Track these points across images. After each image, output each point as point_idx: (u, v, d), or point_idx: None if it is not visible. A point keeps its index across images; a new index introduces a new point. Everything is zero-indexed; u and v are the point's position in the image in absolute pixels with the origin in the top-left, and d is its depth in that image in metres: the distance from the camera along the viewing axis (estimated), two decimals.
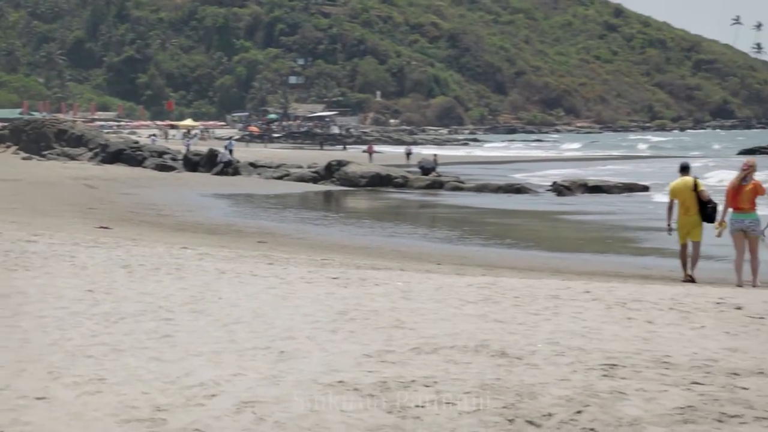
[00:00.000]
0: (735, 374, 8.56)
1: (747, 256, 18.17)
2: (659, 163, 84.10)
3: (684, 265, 19.01)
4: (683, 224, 19.00)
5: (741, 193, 17.73)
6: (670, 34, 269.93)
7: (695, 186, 18.94)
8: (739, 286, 17.43)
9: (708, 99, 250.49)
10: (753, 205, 17.72)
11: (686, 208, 18.94)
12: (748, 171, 17.86)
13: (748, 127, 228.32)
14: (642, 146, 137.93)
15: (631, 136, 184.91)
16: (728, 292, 15.27)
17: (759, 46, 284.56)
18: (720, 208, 18.80)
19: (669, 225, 19.27)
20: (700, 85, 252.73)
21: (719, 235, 18.32)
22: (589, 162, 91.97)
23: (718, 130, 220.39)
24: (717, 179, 49.50)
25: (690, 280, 18.71)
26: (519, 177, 65.44)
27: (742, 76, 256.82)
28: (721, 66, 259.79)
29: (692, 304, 13.07)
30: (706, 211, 18.81)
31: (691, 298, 13.75)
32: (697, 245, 19.01)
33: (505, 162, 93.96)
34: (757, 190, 17.67)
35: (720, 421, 7.08)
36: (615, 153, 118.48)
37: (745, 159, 18.95)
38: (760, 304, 13.10)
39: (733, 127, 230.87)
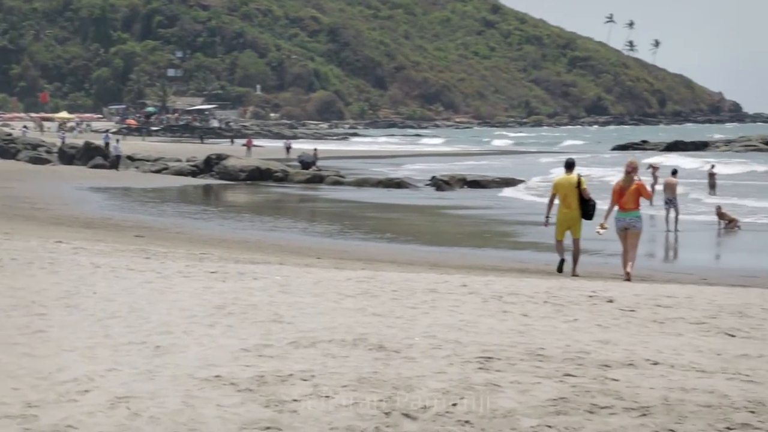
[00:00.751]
0: (606, 366, 8.74)
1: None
2: (528, 158, 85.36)
3: (560, 251, 19.32)
4: (564, 219, 19.41)
5: (626, 193, 18.31)
6: (546, 31, 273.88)
7: (579, 183, 19.35)
8: (627, 279, 17.91)
9: (583, 95, 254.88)
10: (637, 204, 18.34)
11: (567, 204, 19.34)
12: (632, 172, 18.43)
13: (622, 124, 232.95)
14: (497, 142, 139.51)
15: (496, 131, 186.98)
16: (601, 285, 15.59)
17: (631, 44, 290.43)
18: (598, 205, 19.33)
19: (548, 217, 19.67)
20: (576, 82, 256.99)
21: (601, 234, 18.80)
22: (466, 157, 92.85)
23: (595, 126, 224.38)
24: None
25: (558, 270, 19.16)
26: (397, 171, 65.74)
27: (615, 74, 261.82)
28: (596, 63, 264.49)
29: (566, 297, 13.31)
30: (587, 208, 19.27)
31: (565, 291, 14.00)
32: (577, 241, 19.44)
33: (386, 157, 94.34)
34: (641, 191, 18.29)
35: (591, 412, 7.22)
36: (474, 148, 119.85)
37: (628, 159, 19.63)
38: (631, 297, 13.40)
39: (607, 123, 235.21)
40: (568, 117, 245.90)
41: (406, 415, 7.02)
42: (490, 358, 8.91)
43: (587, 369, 8.61)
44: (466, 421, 6.92)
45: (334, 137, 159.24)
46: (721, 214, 30.77)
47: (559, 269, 19.18)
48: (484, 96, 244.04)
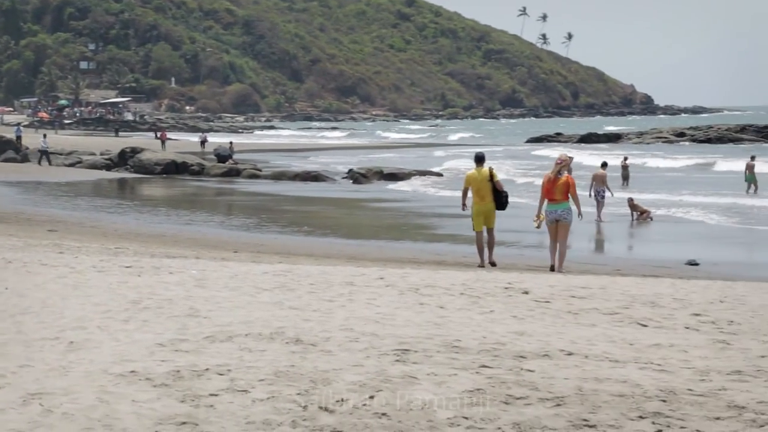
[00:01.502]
0: (522, 357, 8.83)
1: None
2: (422, 151, 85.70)
3: (480, 251, 19.58)
4: (479, 212, 19.67)
5: (555, 186, 18.67)
6: (461, 24, 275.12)
7: (491, 176, 19.64)
8: (552, 269, 18.37)
9: (498, 88, 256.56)
10: (566, 196, 18.70)
11: (481, 197, 19.63)
12: (562, 165, 18.84)
13: (536, 116, 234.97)
14: (388, 134, 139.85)
15: (389, 126, 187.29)
16: (516, 276, 15.74)
17: (545, 37, 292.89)
18: (510, 199, 19.61)
19: (464, 204, 20.00)
20: (491, 75, 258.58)
21: (539, 226, 19.18)
22: (384, 149, 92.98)
23: (510, 119, 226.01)
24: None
25: (482, 266, 19.30)
26: (310, 164, 65.66)
27: (529, 66, 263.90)
28: (510, 56, 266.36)
29: (482, 289, 13.41)
30: (501, 199, 19.58)
31: (481, 283, 14.10)
32: (492, 231, 19.67)
33: (302, 150, 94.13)
34: (570, 187, 18.67)
35: (506, 403, 7.29)
36: (377, 141, 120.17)
37: (558, 155, 19.99)
38: (546, 288, 13.54)
39: (522, 115, 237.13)
40: (483, 109, 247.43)
41: (323, 409, 7.02)
42: (406, 350, 8.95)
43: (503, 360, 8.69)
44: (383, 414, 6.94)
45: (251, 130, 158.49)
46: (633, 206, 31.20)
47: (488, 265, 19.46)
48: (400, 89, 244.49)
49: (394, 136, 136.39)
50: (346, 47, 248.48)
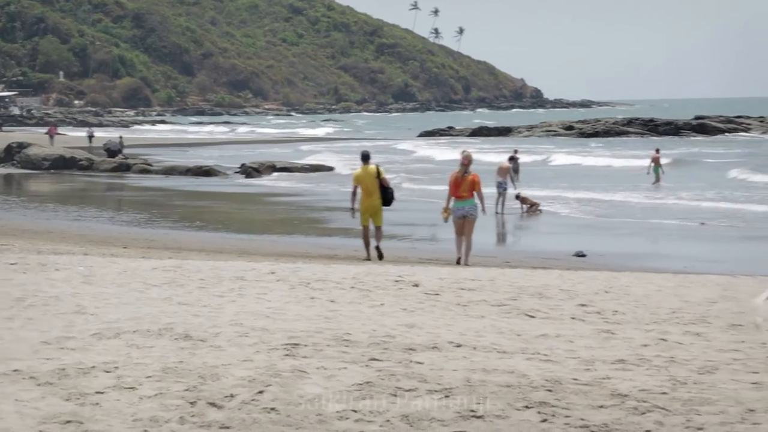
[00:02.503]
0: (411, 350, 8.89)
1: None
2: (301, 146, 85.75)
3: (367, 245, 19.92)
4: (367, 207, 20.22)
5: (462, 184, 19.29)
6: (353, 18, 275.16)
7: (378, 173, 20.24)
8: (458, 263, 18.81)
9: (390, 82, 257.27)
10: (471, 193, 19.35)
11: (369, 193, 20.21)
12: (467, 164, 19.39)
13: (428, 110, 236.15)
14: (242, 129, 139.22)
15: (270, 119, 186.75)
16: (407, 270, 15.83)
17: (437, 31, 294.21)
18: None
19: (353, 208, 20.47)
20: (383, 69, 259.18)
21: (446, 220, 19.65)
22: (270, 144, 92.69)
23: (399, 113, 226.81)
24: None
25: (369, 259, 19.56)
26: (207, 159, 65.15)
27: (422, 60, 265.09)
28: (402, 50, 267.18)
29: (373, 282, 13.47)
30: (387, 195, 20.23)
31: (372, 276, 14.16)
32: (379, 228, 20.29)
33: (195, 144, 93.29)
34: (475, 183, 19.27)
35: (395, 395, 7.33)
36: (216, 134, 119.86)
37: (461, 152, 20.38)
38: (435, 281, 13.65)
39: (414, 109, 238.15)
40: (376, 103, 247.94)
41: (212, 404, 6.99)
42: (296, 344, 8.95)
43: (392, 353, 8.74)
44: (272, 409, 6.93)
45: (141, 124, 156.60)
46: (523, 199, 31.60)
47: (375, 258, 19.71)
48: (293, 83, 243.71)
49: (271, 131, 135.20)
50: (239, 41, 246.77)
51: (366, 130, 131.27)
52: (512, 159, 35.66)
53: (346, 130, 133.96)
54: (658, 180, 41.03)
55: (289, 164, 54.06)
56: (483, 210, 19.68)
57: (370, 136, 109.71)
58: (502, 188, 31.55)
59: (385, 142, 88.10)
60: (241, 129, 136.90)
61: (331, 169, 53.68)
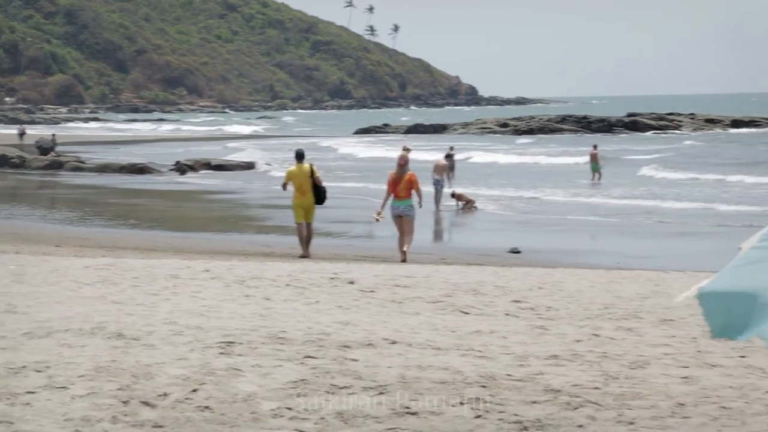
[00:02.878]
0: (346, 347, 8.90)
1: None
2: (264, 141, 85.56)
3: (302, 241, 20.08)
4: (300, 205, 20.50)
5: (399, 183, 19.63)
6: (288, 15, 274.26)
7: (312, 172, 20.52)
8: (403, 261, 18.91)
9: (326, 79, 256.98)
10: (409, 193, 19.68)
11: (302, 191, 20.50)
12: (404, 164, 19.76)
13: (364, 107, 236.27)
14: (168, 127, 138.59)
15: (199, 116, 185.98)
16: (343, 267, 15.84)
17: (372, 29, 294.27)
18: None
19: (284, 186, 20.83)
20: (319, 66, 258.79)
21: (378, 220, 19.98)
22: (213, 141, 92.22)
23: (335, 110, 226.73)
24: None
25: (306, 256, 19.64)
26: (141, 156, 64.64)
27: (357, 58, 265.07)
28: (338, 47, 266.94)
29: (308, 279, 13.45)
30: (320, 194, 20.52)
31: (307, 274, 14.15)
32: (310, 225, 20.54)
33: (129, 142, 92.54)
34: (413, 182, 19.60)
35: (331, 393, 7.34)
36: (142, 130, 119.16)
37: (399, 153, 20.60)
38: (371, 278, 13.67)
39: (350, 106, 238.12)
40: (312, 101, 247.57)
41: (145, 403, 6.95)
42: (231, 342, 8.92)
43: (328, 350, 8.74)
44: (206, 407, 6.91)
45: (74, 121, 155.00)
46: (458, 196, 31.73)
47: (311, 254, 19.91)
48: (227, 80, 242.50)
49: (199, 128, 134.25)
50: (173, 38, 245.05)
51: (295, 128, 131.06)
52: (448, 156, 35.83)
53: (275, 127, 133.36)
54: (598, 176, 41.48)
55: (224, 161, 53.79)
56: (420, 204, 19.97)
57: (299, 133, 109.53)
58: (439, 185, 31.71)
59: (315, 139, 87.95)
60: (167, 127, 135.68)
61: (268, 165, 53.52)
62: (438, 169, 32.23)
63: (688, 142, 70.14)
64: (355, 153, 66.86)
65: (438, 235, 28.16)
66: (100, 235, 25.40)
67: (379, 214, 19.84)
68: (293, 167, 20.71)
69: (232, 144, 79.08)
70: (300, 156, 20.74)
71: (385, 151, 61.79)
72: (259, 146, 74.02)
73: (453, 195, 31.79)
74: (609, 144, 66.73)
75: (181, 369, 7.86)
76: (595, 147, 43.11)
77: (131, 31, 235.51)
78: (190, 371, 7.80)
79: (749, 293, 4.59)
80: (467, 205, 31.58)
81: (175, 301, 11.26)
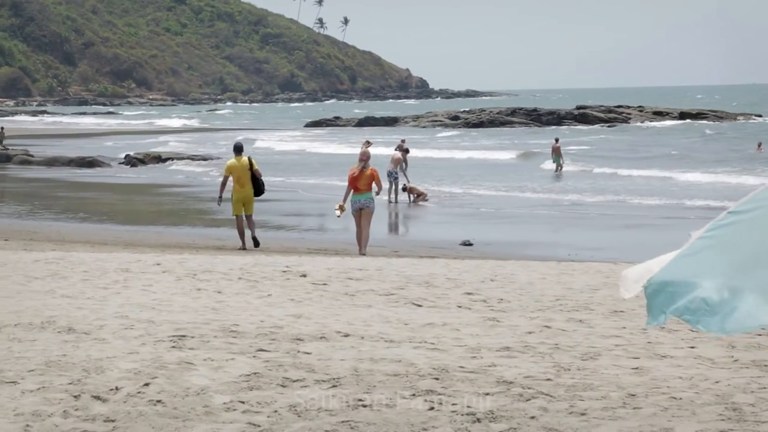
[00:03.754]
0: (299, 340, 8.89)
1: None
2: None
3: (241, 234, 20.30)
4: (239, 198, 20.70)
5: (360, 178, 19.85)
6: (237, 7, 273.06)
7: (251, 165, 20.73)
8: (363, 254, 19.02)
9: (276, 72, 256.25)
10: (369, 187, 19.94)
11: (242, 184, 20.69)
12: (365, 160, 20.02)
13: (315, 100, 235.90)
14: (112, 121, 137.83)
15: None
16: (295, 260, 15.81)
17: (321, 21, 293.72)
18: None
19: (221, 197, 21.08)
20: (269, 59, 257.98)
21: (339, 215, 20.07)
22: (157, 134, 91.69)
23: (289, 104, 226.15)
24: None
25: (244, 248, 19.75)
26: (90, 150, 64.15)
27: (307, 51, 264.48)
28: (288, 40, 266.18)
29: (260, 273, 13.42)
30: (259, 186, 20.77)
31: (260, 267, 14.11)
32: (251, 217, 20.69)
33: (77, 135, 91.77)
34: (375, 178, 19.88)
35: (283, 386, 7.33)
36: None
37: (361, 149, 21.22)
38: (324, 271, 13.66)
39: (300, 99, 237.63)
40: (262, 94, 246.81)
41: (96, 398, 6.90)
42: (183, 336, 8.88)
43: (280, 343, 8.73)
44: (158, 401, 6.87)
45: (21, 114, 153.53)
46: (410, 189, 31.79)
47: (251, 247, 19.99)
48: (177, 73, 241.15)
49: (134, 122, 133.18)
50: (121, 30, 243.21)
51: (226, 120, 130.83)
52: (401, 148, 35.91)
53: (215, 121, 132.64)
54: (560, 168, 42.19)
55: (174, 155, 53.51)
56: (378, 192, 20.23)
57: (229, 126, 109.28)
58: (392, 177, 31.79)
59: (246, 133, 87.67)
60: (112, 121, 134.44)
61: (219, 158, 53.36)
62: (393, 161, 32.34)
63: (602, 136, 71.19)
64: (272, 147, 67.15)
65: (391, 227, 28.19)
66: (49, 228, 25.19)
67: (340, 207, 19.98)
68: (232, 160, 20.83)
69: (163, 137, 78.71)
70: (238, 149, 20.92)
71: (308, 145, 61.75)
72: (184, 140, 73.66)
73: (404, 188, 31.85)
74: (539, 137, 67.34)
75: (133, 363, 7.82)
76: (557, 140, 43.70)
77: (78, 24, 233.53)
78: (141, 365, 7.76)
79: (689, 282, 4.72)
80: (419, 197, 31.65)
81: (125, 295, 11.19)
